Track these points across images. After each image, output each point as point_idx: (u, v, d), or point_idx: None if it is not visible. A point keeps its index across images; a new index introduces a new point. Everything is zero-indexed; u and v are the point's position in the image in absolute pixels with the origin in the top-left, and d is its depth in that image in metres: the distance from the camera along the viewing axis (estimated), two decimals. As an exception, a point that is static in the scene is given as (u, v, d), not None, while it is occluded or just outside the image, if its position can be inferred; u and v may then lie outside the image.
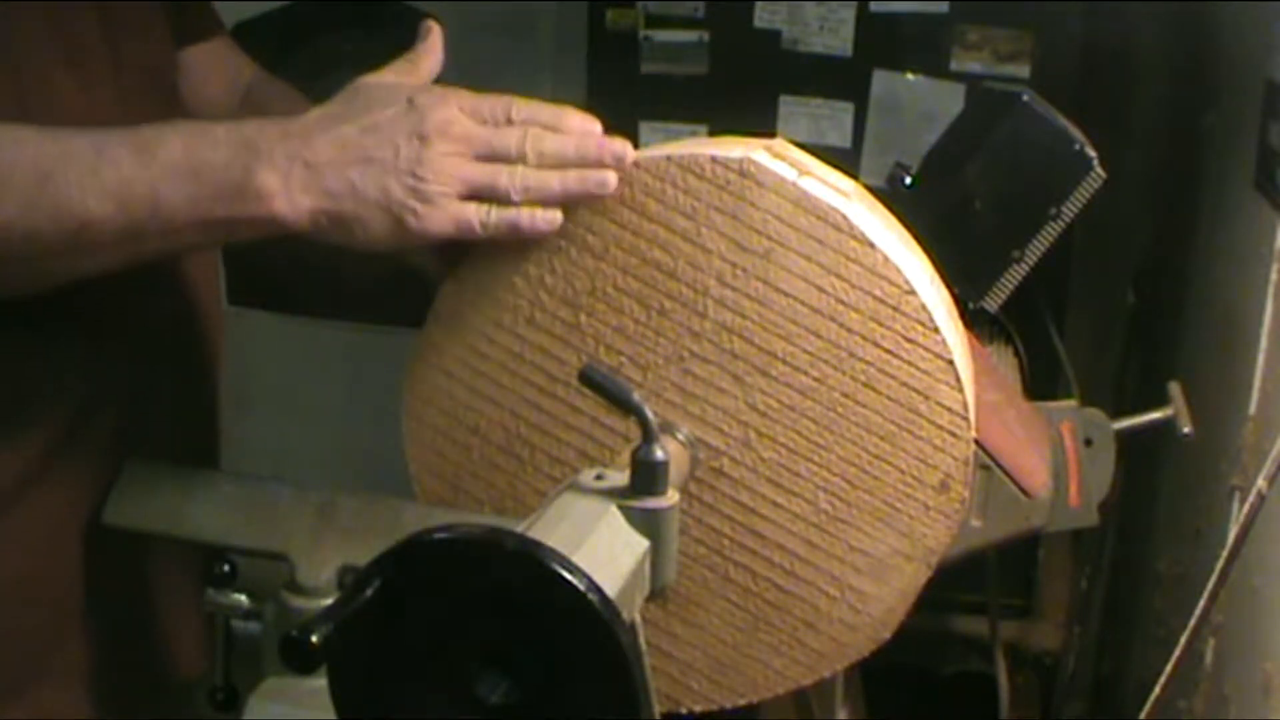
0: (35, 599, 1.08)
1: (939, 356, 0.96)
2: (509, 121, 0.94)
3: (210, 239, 0.96)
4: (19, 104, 1.00)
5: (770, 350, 0.97)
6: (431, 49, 0.99)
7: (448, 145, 0.92)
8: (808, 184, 0.96)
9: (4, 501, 1.06)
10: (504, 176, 0.93)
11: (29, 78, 1.03)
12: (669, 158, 0.97)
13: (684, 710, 1.02)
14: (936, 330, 0.96)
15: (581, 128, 0.96)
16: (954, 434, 0.96)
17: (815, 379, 0.96)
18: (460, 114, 0.93)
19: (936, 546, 0.98)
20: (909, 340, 0.96)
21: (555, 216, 0.95)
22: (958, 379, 0.96)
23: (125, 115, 1.09)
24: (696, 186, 0.96)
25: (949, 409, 0.96)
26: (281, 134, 0.92)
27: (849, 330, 0.96)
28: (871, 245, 0.95)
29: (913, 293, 0.95)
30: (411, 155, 0.92)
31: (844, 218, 0.95)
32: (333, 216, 0.92)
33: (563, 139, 0.95)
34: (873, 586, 0.98)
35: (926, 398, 0.96)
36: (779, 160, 0.98)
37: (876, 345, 0.96)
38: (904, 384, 0.96)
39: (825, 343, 0.96)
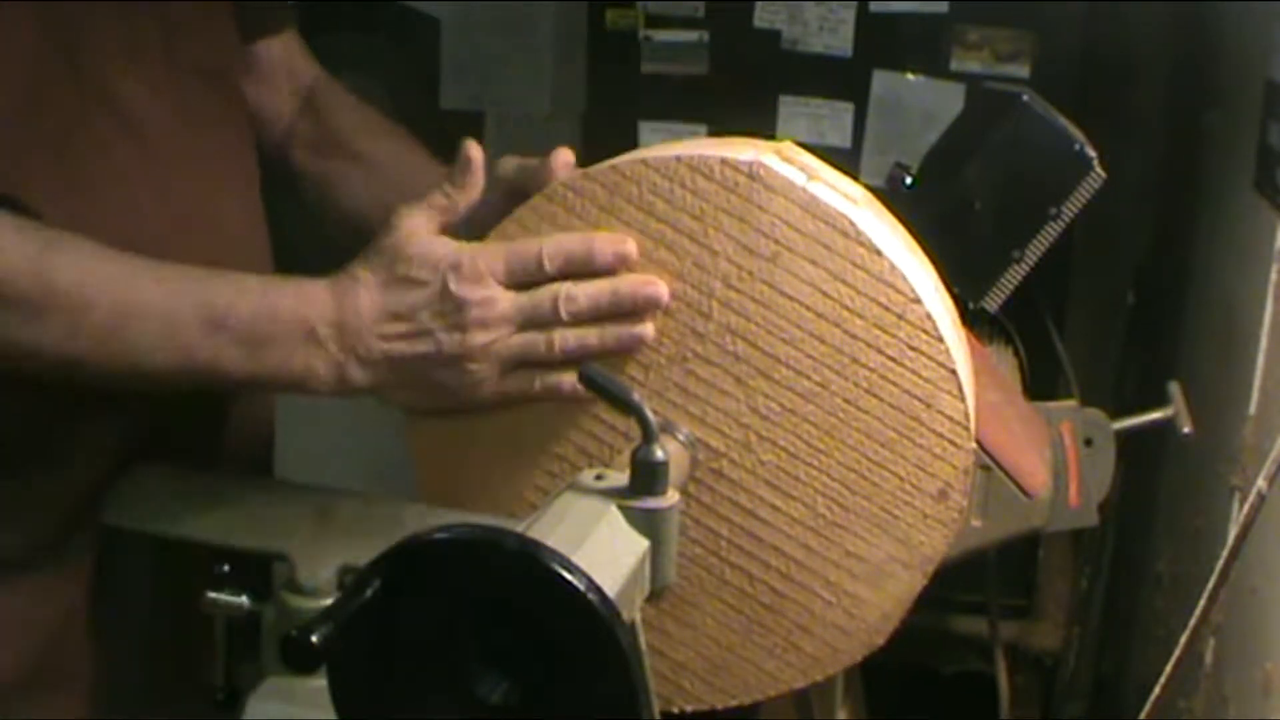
0: (105, 605, 1.10)
1: (942, 365, 0.96)
2: (541, 269, 0.96)
3: (263, 392, 1.03)
4: (80, 101, 1.03)
5: (774, 354, 0.97)
6: (470, 183, 0.99)
7: (486, 334, 0.95)
8: (817, 189, 0.96)
9: (71, 517, 1.07)
10: (543, 346, 0.96)
11: (91, 77, 1.04)
12: (678, 158, 0.97)
13: (676, 710, 1.02)
14: (940, 340, 0.96)
15: (613, 254, 0.96)
16: (954, 443, 0.97)
17: (818, 384, 0.96)
18: (493, 289, 0.95)
19: (933, 554, 0.98)
20: (913, 349, 0.96)
21: None
22: (960, 388, 0.96)
23: (182, 117, 1.11)
24: (705, 188, 0.96)
25: (950, 418, 0.96)
26: (337, 322, 0.96)
27: (853, 336, 0.96)
28: (879, 252, 0.95)
29: (918, 301, 0.95)
30: (454, 348, 0.96)
31: (851, 224, 0.95)
32: (383, 394, 0.98)
33: (596, 291, 0.95)
34: (868, 592, 0.98)
35: (928, 406, 0.96)
36: (789, 164, 0.98)
37: (880, 352, 0.96)
38: (906, 392, 0.96)
39: (829, 348, 0.96)
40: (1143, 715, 1.28)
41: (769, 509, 0.98)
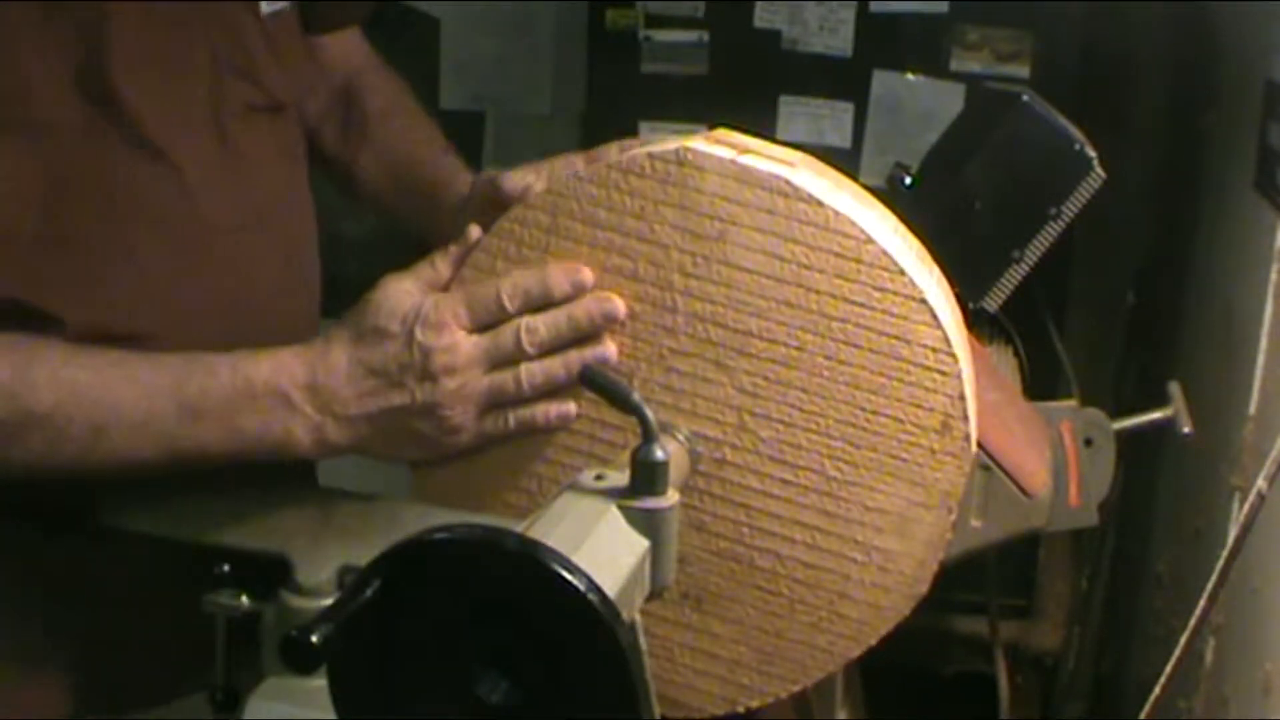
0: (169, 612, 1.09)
1: (910, 298, 0.95)
2: (502, 309, 0.98)
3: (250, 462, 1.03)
4: (118, 129, 1.03)
5: (746, 330, 0.97)
6: (457, 256, 1.01)
7: (455, 379, 0.97)
8: (748, 160, 0.97)
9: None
10: (512, 384, 0.98)
11: (129, 110, 1.04)
12: (609, 165, 0.98)
13: (742, 709, 1.02)
14: (902, 273, 0.95)
15: (569, 283, 0.98)
16: (942, 372, 0.96)
17: (795, 348, 0.96)
18: (458, 334, 0.97)
19: (951, 489, 0.97)
20: (878, 289, 0.95)
21: (569, 409, 1.00)
22: (934, 316, 0.96)
23: (224, 152, 1.11)
24: (640, 186, 0.97)
25: (932, 348, 0.96)
26: (311, 385, 0.98)
27: (817, 292, 0.96)
28: (820, 203, 0.95)
29: (870, 241, 0.95)
30: (426, 398, 0.97)
31: (787, 183, 0.95)
32: (365, 451, 1.00)
33: (554, 318, 0.98)
34: (897, 543, 0.98)
35: (907, 341, 0.96)
36: (717, 144, 0.98)
37: (847, 301, 0.96)
38: (882, 333, 0.96)
39: (797, 309, 0.96)
40: (1143, 715, 1.28)
41: (780, 484, 0.98)
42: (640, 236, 0.97)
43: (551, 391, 0.99)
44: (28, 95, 0.99)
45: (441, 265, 1.01)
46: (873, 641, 1.00)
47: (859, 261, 0.95)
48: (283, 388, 0.97)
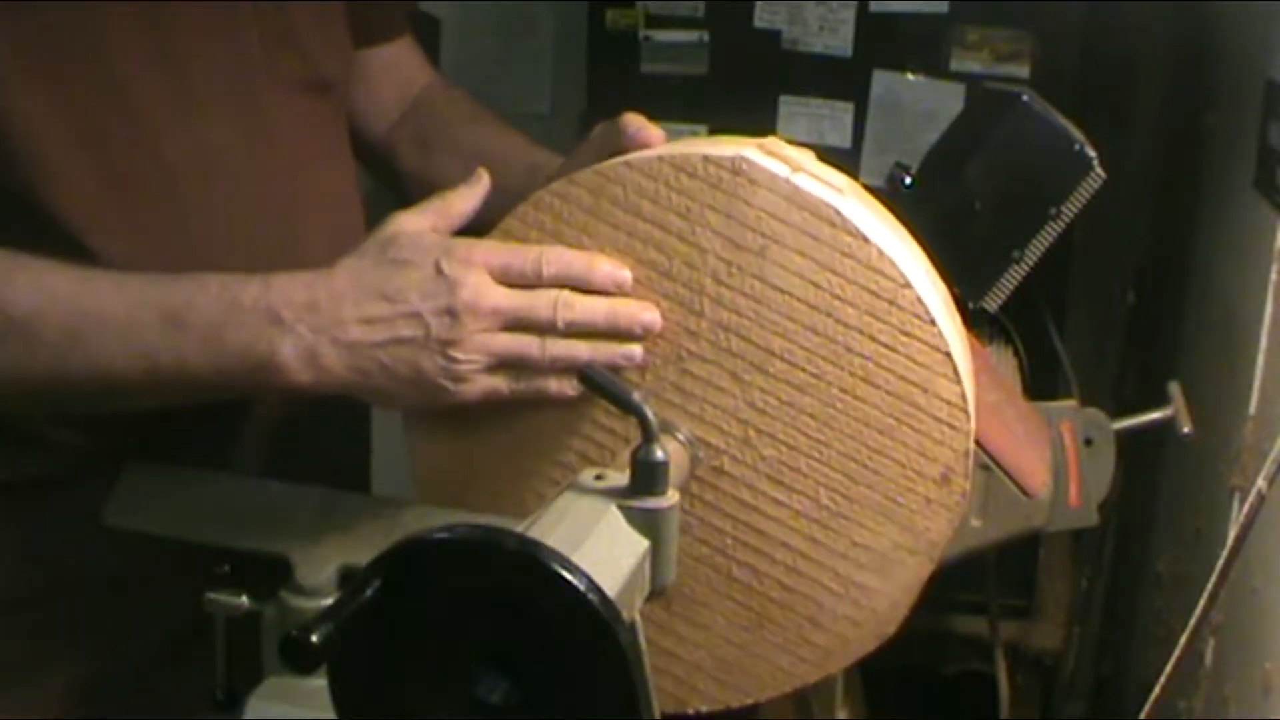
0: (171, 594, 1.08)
1: (936, 349, 0.96)
2: (538, 277, 0.94)
3: (239, 393, 0.99)
4: (178, 106, 1.04)
5: (768, 348, 0.97)
6: (469, 195, 1.00)
7: (477, 322, 0.93)
8: (801, 180, 0.96)
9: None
10: (534, 349, 0.94)
11: (195, 90, 1.05)
12: (661, 158, 0.97)
13: (690, 711, 1.02)
14: (933, 323, 0.95)
15: (611, 279, 0.95)
16: (953, 426, 0.96)
17: (813, 375, 0.96)
18: (487, 281, 0.93)
19: (939, 539, 0.98)
20: (905, 334, 0.95)
21: None
22: (955, 372, 0.96)
23: (284, 126, 1.12)
24: (690, 186, 0.96)
25: (948, 402, 0.96)
26: (309, 304, 0.93)
27: (845, 325, 0.96)
28: (866, 240, 0.95)
29: (908, 286, 0.95)
30: (442, 333, 0.93)
31: (837, 213, 0.95)
32: (362, 387, 0.95)
33: (593, 305, 0.95)
34: (876, 581, 0.98)
35: (925, 391, 0.96)
36: (771, 158, 0.98)
37: (873, 340, 0.96)
38: (902, 378, 0.96)
39: (822, 338, 0.96)
40: (1143, 715, 1.28)
41: (772, 504, 0.98)
42: (681, 235, 0.97)
43: (568, 369, 0.95)
44: (102, 48, 1.00)
45: (454, 200, 0.99)
46: (832, 670, 1.01)
47: (893, 304, 0.95)
48: (273, 305, 0.93)
